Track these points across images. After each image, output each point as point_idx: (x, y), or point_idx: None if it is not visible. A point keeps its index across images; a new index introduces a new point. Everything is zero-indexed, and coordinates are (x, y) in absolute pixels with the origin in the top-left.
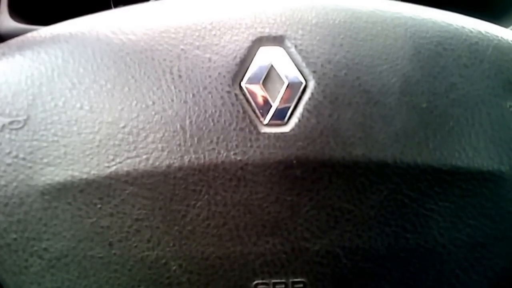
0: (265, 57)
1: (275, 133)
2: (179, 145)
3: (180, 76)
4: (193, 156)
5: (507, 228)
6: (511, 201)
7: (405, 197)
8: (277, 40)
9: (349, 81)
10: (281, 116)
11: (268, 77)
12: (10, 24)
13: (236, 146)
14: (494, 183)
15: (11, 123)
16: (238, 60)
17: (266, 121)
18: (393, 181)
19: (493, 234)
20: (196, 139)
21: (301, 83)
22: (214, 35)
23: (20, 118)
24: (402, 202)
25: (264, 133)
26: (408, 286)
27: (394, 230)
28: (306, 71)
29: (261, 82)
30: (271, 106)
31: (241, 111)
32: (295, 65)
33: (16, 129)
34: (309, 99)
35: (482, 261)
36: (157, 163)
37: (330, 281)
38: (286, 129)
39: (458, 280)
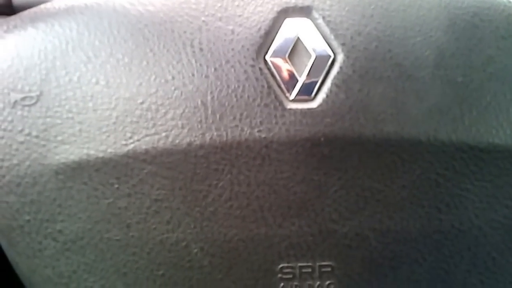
0: (291, 28)
1: (301, 109)
2: (200, 122)
3: (201, 49)
4: (215, 133)
5: None
6: None
7: (439, 177)
8: (304, 11)
9: (380, 54)
10: (308, 91)
11: (294, 50)
12: None
13: (261, 122)
14: None
15: (23, 99)
16: (262, 32)
17: (292, 97)
18: (426, 159)
19: None
20: (218, 115)
21: (329, 56)
22: (237, 5)
23: (32, 94)
24: (435, 181)
25: (290, 109)
26: (441, 270)
27: (427, 211)
28: (335, 43)
29: (287, 55)
30: (297, 81)
31: (265, 86)
32: (323, 37)
33: (28, 105)
34: (338, 73)
35: None
36: (177, 141)
37: (359, 265)
38: (313, 105)
39: (494, 263)
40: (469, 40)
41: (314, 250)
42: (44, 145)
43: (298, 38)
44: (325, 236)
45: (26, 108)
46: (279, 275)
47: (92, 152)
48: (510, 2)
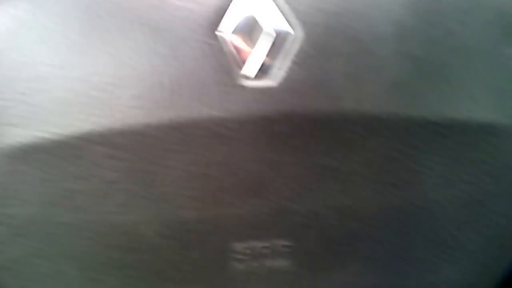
0: (248, 4)
1: (259, 88)
2: (156, 102)
3: (156, 28)
4: (171, 113)
5: (506, 184)
6: None
7: (398, 153)
8: None
9: (340, 30)
10: (266, 69)
11: (252, 27)
12: None
13: (218, 101)
14: (495, 136)
15: None
16: (217, 8)
17: (250, 75)
18: (384, 135)
19: (492, 190)
20: (174, 95)
21: (288, 33)
22: None
23: None
24: (393, 158)
25: (247, 87)
26: (399, 246)
27: (384, 188)
28: (294, 20)
29: (244, 32)
30: (255, 59)
31: (223, 64)
32: (282, 13)
33: None
34: (298, 50)
35: (478, 218)
36: (132, 122)
37: (316, 243)
38: (272, 83)
39: (452, 239)
40: (429, 14)
41: (270, 230)
42: None
43: (256, 14)
44: (281, 215)
45: None
46: (236, 256)
47: (44, 134)
48: None
